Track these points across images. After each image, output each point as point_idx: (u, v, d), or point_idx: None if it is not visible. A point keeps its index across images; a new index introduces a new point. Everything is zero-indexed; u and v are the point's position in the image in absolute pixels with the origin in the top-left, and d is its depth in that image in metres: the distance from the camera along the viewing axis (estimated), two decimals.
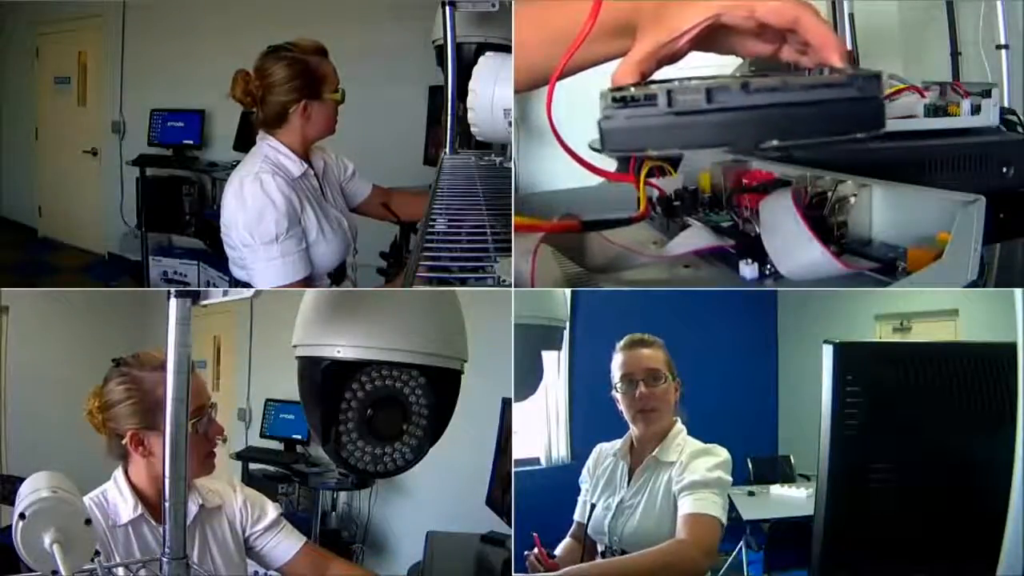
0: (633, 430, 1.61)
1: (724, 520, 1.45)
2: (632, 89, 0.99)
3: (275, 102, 1.76)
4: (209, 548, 1.42)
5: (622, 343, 1.61)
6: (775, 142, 0.98)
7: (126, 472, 1.37)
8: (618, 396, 1.59)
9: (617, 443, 1.65)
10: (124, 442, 1.35)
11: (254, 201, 1.69)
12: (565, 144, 1.30)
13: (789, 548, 2.70)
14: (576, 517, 1.67)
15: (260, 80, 1.74)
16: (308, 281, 1.77)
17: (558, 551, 1.63)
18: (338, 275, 1.88)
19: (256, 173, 1.71)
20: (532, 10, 1.42)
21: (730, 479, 1.49)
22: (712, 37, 1.16)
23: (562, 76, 1.21)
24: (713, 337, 3.28)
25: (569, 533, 1.67)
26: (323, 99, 1.78)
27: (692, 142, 1.00)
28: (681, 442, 1.56)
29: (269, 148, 1.78)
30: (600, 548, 1.59)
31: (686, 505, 1.44)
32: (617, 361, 1.59)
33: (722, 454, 1.52)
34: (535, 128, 2.79)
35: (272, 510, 1.52)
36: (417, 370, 1.11)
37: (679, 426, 1.59)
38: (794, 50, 1.15)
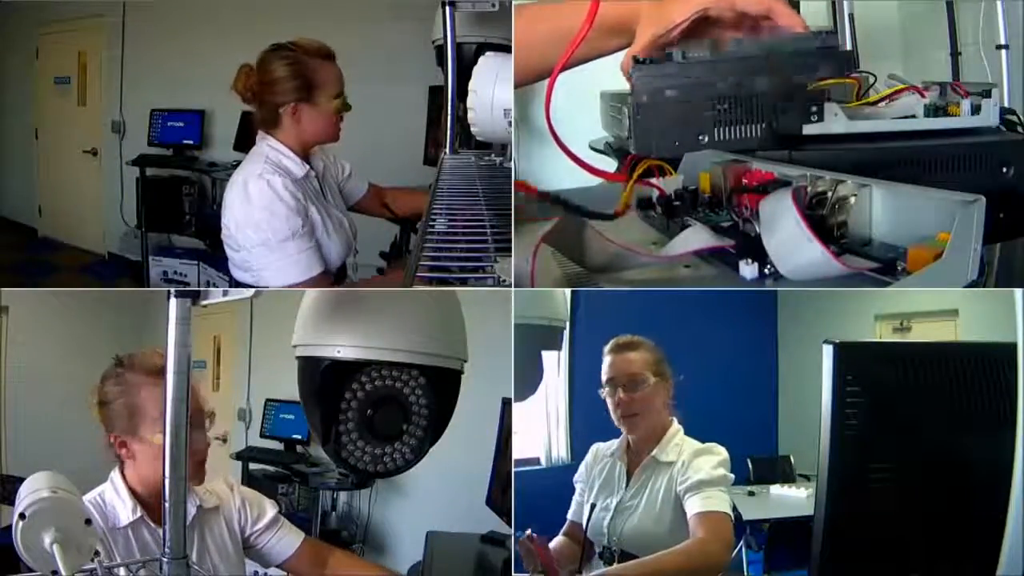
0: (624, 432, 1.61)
1: (731, 514, 1.45)
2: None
3: (268, 101, 1.75)
4: (208, 549, 1.41)
5: (608, 346, 1.60)
6: (765, 79, 1.35)
7: (123, 473, 1.36)
8: (605, 399, 1.59)
9: (614, 443, 1.64)
10: (112, 443, 1.35)
11: (265, 201, 1.68)
12: (563, 144, 1.31)
13: (789, 548, 2.70)
14: (570, 516, 1.66)
15: (258, 77, 1.73)
16: (325, 276, 1.76)
17: (551, 546, 1.62)
18: (340, 275, 1.88)
19: (260, 174, 1.71)
20: (534, 9, 1.47)
21: (732, 476, 1.50)
22: (699, 29, 1.42)
23: (562, 69, 1.29)
24: (713, 337, 3.28)
25: (562, 531, 1.66)
26: (316, 104, 1.75)
27: (699, 80, 1.36)
28: (679, 442, 1.56)
29: (270, 149, 1.77)
30: (598, 549, 1.59)
31: (696, 505, 1.44)
32: (603, 364, 1.59)
33: (722, 452, 1.52)
34: (535, 128, 2.78)
35: (270, 509, 1.52)
36: (417, 370, 1.11)
37: (676, 426, 1.59)
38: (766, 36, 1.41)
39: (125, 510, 1.33)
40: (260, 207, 1.69)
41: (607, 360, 1.59)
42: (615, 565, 1.49)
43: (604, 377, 1.58)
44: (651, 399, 1.57)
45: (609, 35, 1.46)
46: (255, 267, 1.73)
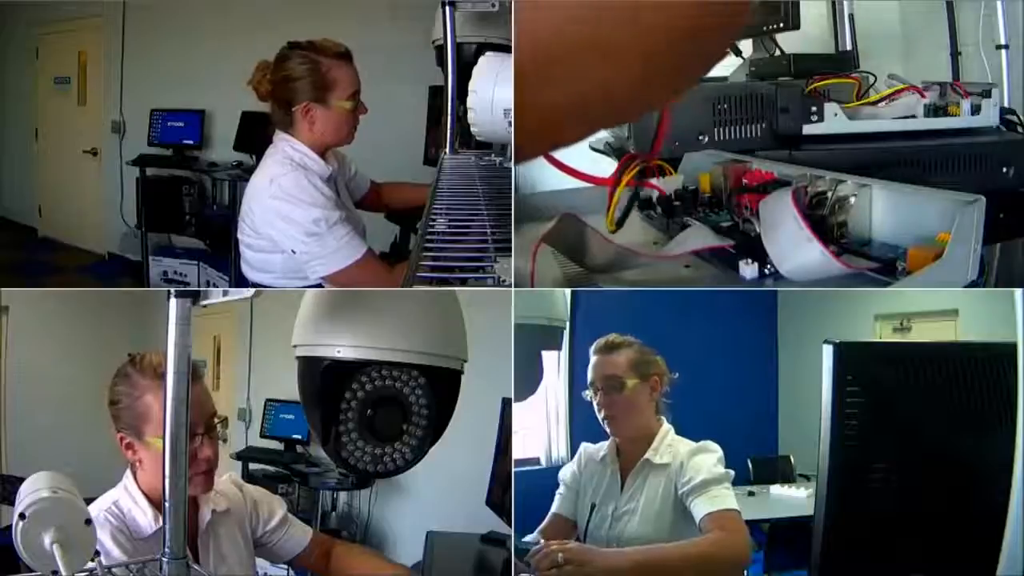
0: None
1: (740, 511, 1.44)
2: None
3: (280, 99, 1.75)
4: (224, 553, 1.40)
5: (592, 347, 1.58)
6: None
7: (136, 479, 1.33)
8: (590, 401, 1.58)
9: (603, 446, 1.62)
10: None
11: (306, 194, 1.69)
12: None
13: (789, 548, 2.70)
14: (554, 510, 1.63)
15: (273, 74, 1.73)
16: (373, 252, 1.76)
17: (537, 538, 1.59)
18: None
19: (288, 172, 1.71)
20: None
21: (732, 472, 1.49)
22: None
23: None
24: (713, 337, 3.28)
25: (539, 529, 1.61)
26: (329, 105, 1.74)
27: None
28: (671, 442, 1.53)
29: (292, 149, 1.76)
30: None
31: (704, 505, 1.42)
32: (589, 366, 1.58)
33: (717, 449, 1.50)
34: None
35: (280, 507, 1.52)
36: (417, 370, 1.11)
37: (666, 426, 1.56)
38: None
39: (146, 519, 1.30)
40: (305, 199, 1.69)
41: (591, 361, 1.57)
42: (643, 546, 1.46)
43: (588, 379, 1.57)
44: (631, 401, 1.53)
45: None
46: (304, 261, 1.71)
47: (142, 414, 1.30)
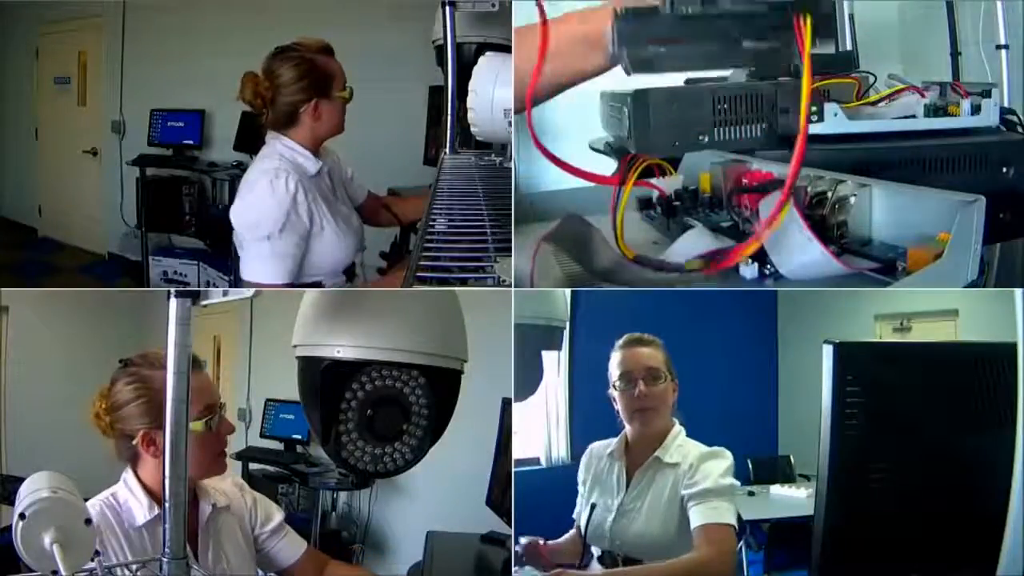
0: (629, 430, 1.60)
1: (736, 525, 1.44)
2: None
3: (286, 103, 1.76)
4: (223, 548, 1.41)
5: (621, 341, 1.60)
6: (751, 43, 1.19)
7: (136, 473, 1.35)
8: (615, 395, 1.57)
9: (611, 443, 1.63)
10: (134, 443, 1.33)
11: (264, 197, 1.71)
12: (546, 150, 1.29)
13: (789, 548, 2.70)
14: (575, 517, 1.65)
15: (269, 82, 1.75)
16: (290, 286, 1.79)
17: (558, 541, 1.62)
18: (350, 273, 1.89)
19: (276, 170, 1.72)
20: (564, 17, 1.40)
21: (738, 483, 1.49)
22: None
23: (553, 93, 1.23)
24: (713, 337, 3.27)
25: (566, 537, 1.64)
26: (332, 97, 1.79)
27: (690, 36, 1.19)
28: (682, 443, 1.55)
29: (284, 148, 1.78)
30: (597, 552, 1.57)
31: (701, 515, 1.43)
32: (616, 359, 1.58)
33: (729, 457, 1.51)
34: (535, 128, 2.78)
35: (277, 513, 1.53)
36: (417, 370, 1.11)
37: (678, 427, 1.57)
38: None
39: (141, 509, 1.31)
40: (254, 202, 1.71)
41: (619, 355, 1.58)
42: (617, 568, 1.48)
43: (618, 371, 1.56)
44: (666, 395, 1.56)
45: (586, 51, 1.35)
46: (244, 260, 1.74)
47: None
